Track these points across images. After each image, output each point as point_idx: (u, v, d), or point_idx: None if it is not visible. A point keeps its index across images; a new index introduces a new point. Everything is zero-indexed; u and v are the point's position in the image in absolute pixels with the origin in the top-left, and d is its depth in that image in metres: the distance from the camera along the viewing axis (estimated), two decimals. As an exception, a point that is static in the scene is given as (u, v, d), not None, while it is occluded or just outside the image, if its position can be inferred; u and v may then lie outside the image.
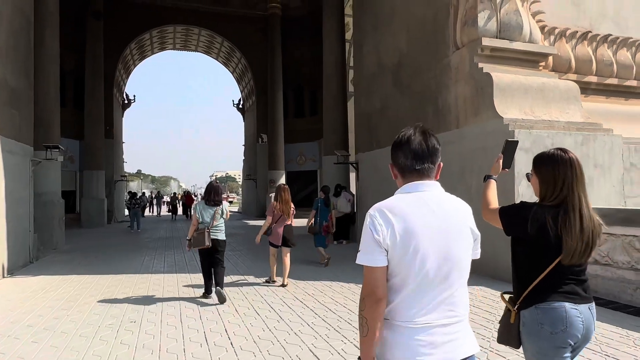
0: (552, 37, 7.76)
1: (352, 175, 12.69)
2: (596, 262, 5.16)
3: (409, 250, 1.25)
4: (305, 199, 18.15)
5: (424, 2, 7.64)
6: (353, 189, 12.32)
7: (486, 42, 6.24)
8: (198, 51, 24.25)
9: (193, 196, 26.97)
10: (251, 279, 6.62)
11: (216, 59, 24.53)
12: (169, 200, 29.30)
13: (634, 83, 8.51)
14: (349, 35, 14.80)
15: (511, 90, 6.10)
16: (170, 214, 23.97)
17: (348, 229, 10.59)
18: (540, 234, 1.66)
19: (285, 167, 20.28)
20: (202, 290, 5.57)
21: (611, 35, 8.28)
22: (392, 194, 1.38)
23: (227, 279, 5.94)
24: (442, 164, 1.40)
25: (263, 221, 6.56)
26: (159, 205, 28.06)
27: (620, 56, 8.38)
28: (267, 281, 6.21)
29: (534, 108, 6.16)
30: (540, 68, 6.95)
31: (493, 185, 2.07)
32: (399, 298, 1.27)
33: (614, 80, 8.31)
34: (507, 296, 1.83)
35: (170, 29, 20.96)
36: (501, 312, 1.95)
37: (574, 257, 1.65)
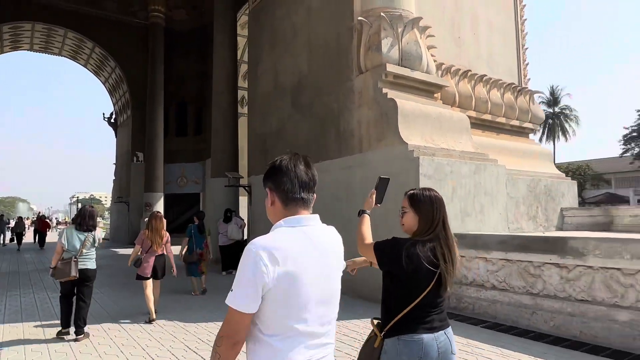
0: (439, 72, 8.26)
1: (242, 200, 11.96)
2: (494, 287, 5.32)
3: (292, 295, 1.19)
4: (186, 223, 16.68)
5: (327, 24, 7.53)
6: (243, 213, 11.59)
7: (390, 68, 6.27)
8: (63, 55, 21.34)
9: (49, 221, 23.13)
10: (116, 314, 5.76)
11: (84, 66, 21.86)
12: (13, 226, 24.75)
13: (503, 120, 9.48)
14: (240, 52, 14.28)
15: (414, 117, 6.18)
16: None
17: (239, 258, 9.79)
18: (414, 269, 1.77)
19: (165, 189, 18.58)
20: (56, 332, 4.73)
21: (486, 75, 9.14)
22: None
23: (89, 316, 5.02)
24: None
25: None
26: (2, 232, 23.53)
27: (493, 95, 9.28)
28: (147, 321, 5.39)
29: (433, 136, 6.32)
30: (435, 99, 7.26)
31: (367, 220, 2.14)
32: (272, 341, 1.20)
33: (488, 116, 9.15)
34: (376, 321, 1.92)
35: (28, 26, 18.07)
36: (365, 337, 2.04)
37: (449, 287, 1.81)
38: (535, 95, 10.46)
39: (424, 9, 7.51)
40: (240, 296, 1.16)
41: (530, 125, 10.15)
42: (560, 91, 46.42)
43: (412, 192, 1.96)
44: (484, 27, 9.63)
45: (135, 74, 19.00)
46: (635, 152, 45.34)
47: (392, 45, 6.42)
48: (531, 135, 10.68)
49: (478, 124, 9.11)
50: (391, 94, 6.26)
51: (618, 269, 4.23)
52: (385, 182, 2.23)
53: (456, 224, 5.93)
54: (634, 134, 44.44)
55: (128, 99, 19.89)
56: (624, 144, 45.08)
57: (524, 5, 10.78)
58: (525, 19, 10.74)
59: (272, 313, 1.18)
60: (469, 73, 8.80)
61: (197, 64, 18.56)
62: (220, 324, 5.29)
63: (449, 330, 1.88)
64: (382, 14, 6.44)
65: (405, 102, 6.20)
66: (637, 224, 8.17)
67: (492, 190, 6.47)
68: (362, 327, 4.94)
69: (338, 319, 1.40)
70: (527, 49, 10.70)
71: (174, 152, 19.10)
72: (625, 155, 46.70)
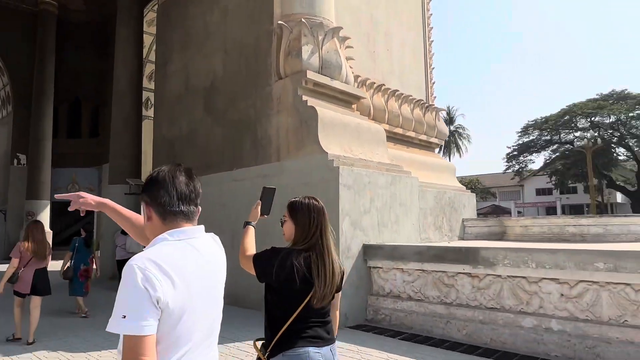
0: (355, 84, 8.36)
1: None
2: (410, 298, 5.36)
3: (185, 311, 1.11)
4: (75, 235, 14.96)
5: (245, 26, 7.21)
6: (145, 224, 10.63)
7: (310, 75, 6.14)
8: None
9: None
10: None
11: (-47, 51, 18.77)
12: None
13: (412, 134, 9.89)
14: (146, 51, 13.26)
15: (333, 126, 6.10)
16: None
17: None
18: (290, 280, 1.72)
19: (52, 197, 16.52)
20: None
21: (398, 90, 9.47)
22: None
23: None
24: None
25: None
26: None
27: (404, 110, 9.63)
28: (10, 339, 4.95)
29: (352, 146, 6.29)
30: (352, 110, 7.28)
31: (251, 232, 2.08)
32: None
33: (399, 130, 9.47)
34: (259, 343, 1.85)
35: None
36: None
37: (324, 300, 1.76)
38: (440, 113, 11.12)
39: (341, 22, 7.54)
40: (134, 317, 1.01)
41: (436, 140, 10.72)
42: (455, 111, 50.59)
43: (291, 200, 1.94)
44: (396, 44, 10.00)
45: (18, 66, 16.73)
46: (516, 169, 51.11)
47: (312, 52, 6.30)
48: (436, 150, 11.33)
49: (390, 137, 9.38)
50: (311, 101, 6.12)
51: (524, 277, 4.48)
52: (271, 192, 2.20)
53: (373, 235, 5.92)
54: (515, 152, 50.08)
55: (8, 93, 17.44)
56: (506, 162, 50.60)
57: (431, 28, 11.46)
58: (432, 40, 11.42)
59: (165, 330, 1.07)
60: (383, 87, 9.03)
61: (95, 59, 16.90)
62: (105, 338, 4.74)
63: (334, 346, 1.85)
64: (303, 19, 6.30)
65: (326, 111, 6.10)
66: (527, 234, 8.93)
67: (406, 201, 6.61)
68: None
69: (225, 341, 1.21)
70: (433, 68, 11.36)
71: (64, 155, 17.10)
72: (507, 171, 52.40)
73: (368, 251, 5.68)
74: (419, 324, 5.13)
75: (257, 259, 1.87)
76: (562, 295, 4.25)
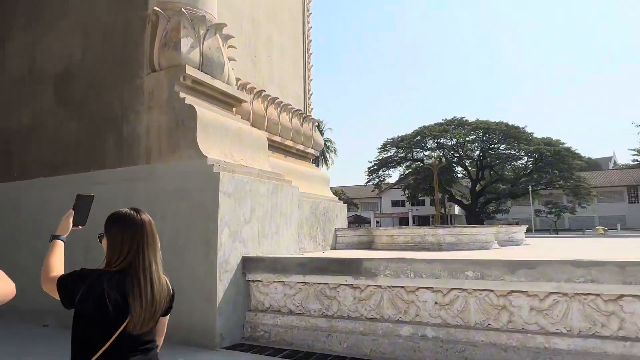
0: (236, 87, 7.98)
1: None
2: (291, 312, 5.15)
3: None
4: None
5: (112, 8, 6.29)
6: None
7: (190, 71, 5.58)
8: None
9: None
10: None
11: None
12: None
13: (290, 143, 9.84)
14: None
15: (214, 129, 5.63)
16: None
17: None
18: (98, 306, 1.55)
19: None
20: None
21: (278, 98, 9.34)
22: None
23: None
24: None
25: None
26: None
27: (283, 118, 9.53)
28: None
29: (233, 152, 5.88)
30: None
31: (59, 248, 1.82)
32: None
33: (278, 138, 9.33)
34: None
35: None
36: None
37: (143, 326, 1.62)
38: (316, 124, 11.33)
39: (222, 21, 7.12)
40: None
41: (312, 151, 10.85)
42: (324, 125, 52.86)
43: (112, 213, 1.75)
44: (277, 52, 9.89)
45: None
46: (375, 182, 55.48)
47: (192, 46, 5.76)
48: (311, 161, 11.50)
49: (269, 145, 9.18)
50: (189, 99, 5.56)
51: (402, 287, 4.61)
52: (88, 200, 2.00)
53: (253, 246, 5.59)
54: (375, 167, 54.38)
55: None
56: (368, 175, 54.68)
57: (311, 40, 11.66)
58: (311, 53, 11.63)
59: None
60: (263, 93, 8.80)
61: None
62: None
63: None
64: (183, 9, 5.73)
65: (206, 112, 5.60)
66: (393, 243, 9.49)
67: (287, 211, 6.43)
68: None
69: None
70: (311, 80, 11.55)
71: None
72: (368, 184, 56.58)
73: (248, 264, 5.33)
74: (300, 338, 4.94)
75: (62, 282, 1.63)
76: (436, 303, 4.47)
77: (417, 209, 61.33)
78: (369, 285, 4.75)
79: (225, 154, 5.72)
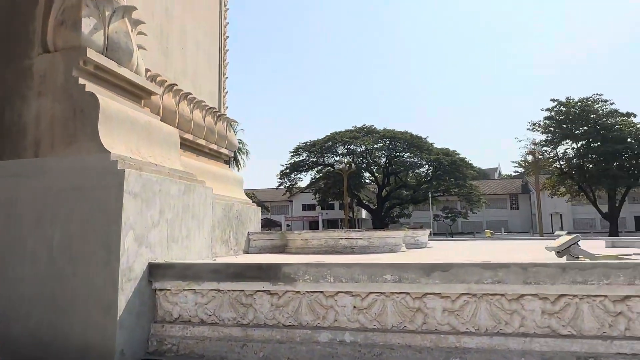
0: (145, 78, 7.35)
1: None
2: (203, 322, 4.79)
3: None
4: None
5: (-5, -25, 5.38)
6: None
7: (92, 55, 4.96)
8: None
9: None
10: None
11: None
12: None
13: (203, 142, 9.35)
14: None
15: (119, 121, 5.06)
16: None
17: None
18: None
19: None
20: None
21: (191, 94, 8.82)
22: None
23: None
24: None
25: None
26: None
27: (196, 115, 9.02)
28: None
29: (140, 147, 5.35)
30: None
31: None
32: None
33: (190, 136, 8.79)
34: None
35: None
36: None
37: None
38: (232, 124, 10.93)
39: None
40: None
41: (226, 151, 10.43)
42: (236, 126, 51.76)
43: None
44: (191, 45, 9.35)
45: None
46: (287, 185, 55.65)
47: (95, 28, 5.14)
48: (225, 161, 11.05)
49: (180, 143, 8.61)
50: (90, 87, 4.94)
51: (321, 292, 4.52)
52: None
53: (162, 252, 5.12)
54: (287, 170, 54.55)
55: None
56: (280, 178, 54.66)
57: (227, 37, 11.24)
58: (228, 50, 11.20)
59: None
60: (175, 87, 8.24)
61: None
62: None
63: None
64: (85, -14, 5.09)
65: (110, 101, 5.01)
66: (307, 246, 9.46)
67: (199, 213, 6.03)
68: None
69: None
70: (227, 77, 11.12)
71: None
72: (280, 187, 56.55)
73: (155, 271, 4.86)
74: (212, 350, 4.61)
75: None
76: (354, 307, 4.44)
77: (326, 213, 62.71)
78: (288, 291, 4.59)
79: (132, 149, 5.18)
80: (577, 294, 4.02)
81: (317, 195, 56.05)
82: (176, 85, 8.27)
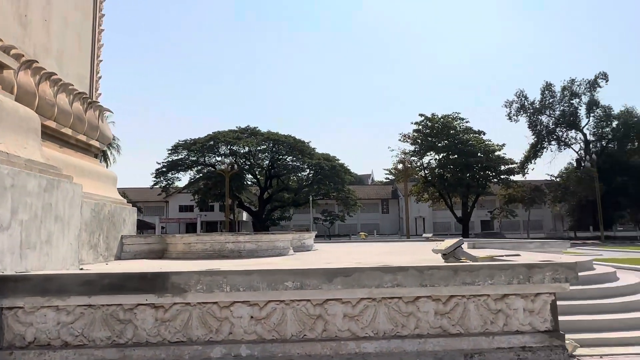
0: (-6, 50, 6.03)
1: None
2: (67, 345, 4.00)
3: None
4: None
5: None
6: None
7: None
8: None
9: None
10: None
11: None
12: None
13: (69, 131, 8.08)
14: None
15: (-44, 97, 3.99)
16: None
17: None
18: None
19: None
20: None
21: (55, 75, 7.55)
22: None
23: None
24: None
25: None
26: None
27: (61, 100, 7.76)
28: None
29: (-15, 132, 4.31)
30: (-11, 81, 5.12)
31: None
32: None
33: (53, 124, 7.52)
34: None
35: None
36: None
37: None
38: (105, 113, 9.68)
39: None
40: None
41: (97, 144, 9.19)
42: (106, 117, 46.89)
43: None
44: (58, 19, 8.04)
45: None
46: (163, 185, 52.14)
47: None
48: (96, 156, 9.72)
49: (41, 131, 7.30)
50: None
51: (215, 303, 4.10)
52: None
53: (13, 261, 4.17)
54: (164, 169, 51.13)
55: None
56: (155, 177, 50.94)
57: (103, 15, 9.95)
58: (103, 30, 9.92)
59: None
60: (35, 65, 6.96)
61: None
62: None
63: None
64: None
65: (-56, 71, 3.93)
66: (190, 251, 8.80)
67: (64, 214, 5.10)
68: None
69: None
70: (101, 61, 9.83)
71: None
72: (155, 187, 52.74)
73: (3, 286, 3.91)
74: (79, 378, 3.86)
75: None
76: (252, 317, 4.12)
77: (205, 215, 60.27)
78: (176, 304, 4.07)
79: (-27, 133, 4.14)
80: (465, 294, 4.27)
81: (196, 196, 53.57)
82: (36, 62, 6.98)
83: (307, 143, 54.64)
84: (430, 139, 51.30)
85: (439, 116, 51.75)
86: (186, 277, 4.02)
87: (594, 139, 54.00)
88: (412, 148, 52.56)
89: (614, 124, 51.75)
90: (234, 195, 50.27)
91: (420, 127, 52.02)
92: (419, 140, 51.91)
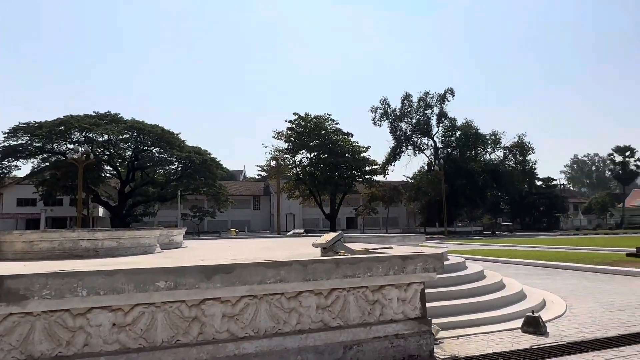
0: None
1: None
2: None
3: None
4: None
5: None
6: None
7: None
8: None
9: None
10: None
11: None
12: None
13: None
14: None
15: None
16: None
17: None
18: None
19: None
20: None
21: None
22: None
23: None
24: None
25: None
26: None
27: None
28: None
29: None
30: None
31: None
32: None
33: None
34: None
35: None
36: None
37: None
38: None
39: None
40: None
41: None
42: None
43: None
44: None
45: None
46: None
47: None
48: None
49: None
50: None
51: (67, 310, 3.44)
52: None
53: None
54: (-2, 155, 43.34)
55: None
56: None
57: None
58: None
59: None
60: None
61: None
62: None
63: None
64: None
65: None
66: (32, 250, 7.54)
67: None
68: None
69: None
70: None
71: None
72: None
73: None
74: None
75: None
76: (114, 325, 3.55)
77: (52, 210, 52.72)
78: (12, 314, 3.31)
79: None
80: (346, 286, 4.30)
81: (40, 188, 46.44)
82: None
83: (177, 135, 51.60)
84: (303, 137, 52.65)
85: (312, 116, 53.44)
86: (27, 282, 3.28)
87: (442, 146, 61.33)
88: (285, 146, 53.32)
89: (457, 134, 59.48)
90: (89, 188, 45.01)
91: (294, 125, 53.07)
92: (292, 139, 52.91)
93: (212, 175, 51.55)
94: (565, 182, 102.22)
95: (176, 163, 51.78)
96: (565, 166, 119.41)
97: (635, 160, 61.73)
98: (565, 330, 5.62)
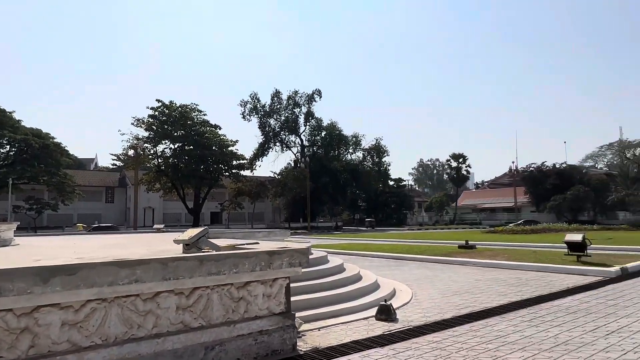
0: None
1: None
2: None
3: None
4: None
5: None
6: None
7: None
8: None
9: None
10: None
11: None
12: None
13: None
14: None
15: None
16: None
17: None
18: None
19: None
20: None
21: None
22: None
23: None
24: None
25: None
26: None
27: None
28: None
29: None
30: None
31: None
32: None
33: None
34: None
35: None
36: None
37: None
38: None
39: None
40: None
41: None
42: None
43: None
44: None
45: None
46: None
47: None
48: None
49: None
50: None
51: None
52: None
53: None
54: None
55: None
56: None
57: None
58: None
59: None
60: None
61: None
62: None
63: None
64: None
65: None
66: None
67: None
68: None
69: None
70: None
71: None
72: None
73: None
74: None
75: None
76: None
77: None
78: None
79: None
80: (210, 284, 4.10)
81: None
82: None
83: (10, 113, 43.96)
84: (166, 127, 49.45)
85: (177, 105, 50.52)
86: None
87: (308, 144, 63.53)
88: (146, 134, 49.43)
89: (323, 133, 62.28)
90: None
91: (157, 113, 49.52)
92: (154, 127, 49.32)
93: (56, 163, 45.21)
94: (412, 183, 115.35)
95: (8, 146, 44.13)
96: (412, 168, 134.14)
97: (466, 166, 72.08)
98: (412, 316, 6.24)
